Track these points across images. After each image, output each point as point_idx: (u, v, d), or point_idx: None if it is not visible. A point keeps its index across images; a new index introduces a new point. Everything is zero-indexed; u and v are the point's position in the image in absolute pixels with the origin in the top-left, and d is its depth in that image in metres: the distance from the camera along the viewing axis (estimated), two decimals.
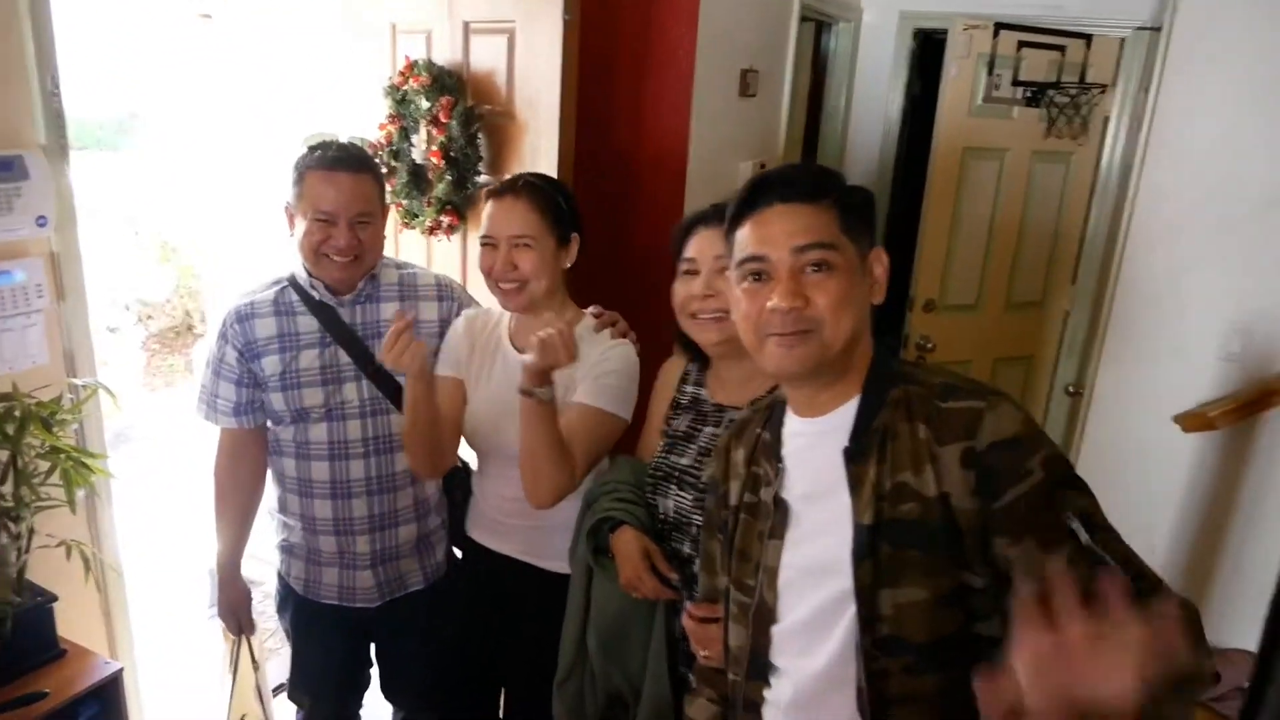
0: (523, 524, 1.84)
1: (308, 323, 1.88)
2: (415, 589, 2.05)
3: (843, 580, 1.10)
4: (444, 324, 1.95)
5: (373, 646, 2.14)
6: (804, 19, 3.50)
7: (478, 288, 2.26)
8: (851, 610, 1.10)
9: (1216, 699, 2.79)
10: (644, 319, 1.94)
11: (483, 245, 1.78)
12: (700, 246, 1.57)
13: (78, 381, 2.02)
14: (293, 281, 1.91)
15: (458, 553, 2.11)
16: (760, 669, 1.23)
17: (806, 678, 1.17)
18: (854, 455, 1.11)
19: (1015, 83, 3.64)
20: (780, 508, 1.19)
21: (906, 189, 4.39)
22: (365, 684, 2.19)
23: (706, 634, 1.39)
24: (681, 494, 1.58)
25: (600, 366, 1.75)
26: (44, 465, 1.90)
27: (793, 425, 1.22)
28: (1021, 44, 3.61)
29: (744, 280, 1.15)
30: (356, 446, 1.91)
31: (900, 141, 4.27)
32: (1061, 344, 4.05)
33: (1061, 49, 3.65)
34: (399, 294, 1.94)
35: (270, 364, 1.87)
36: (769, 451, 1.23)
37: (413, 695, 2.16)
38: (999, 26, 3.60)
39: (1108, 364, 3.00)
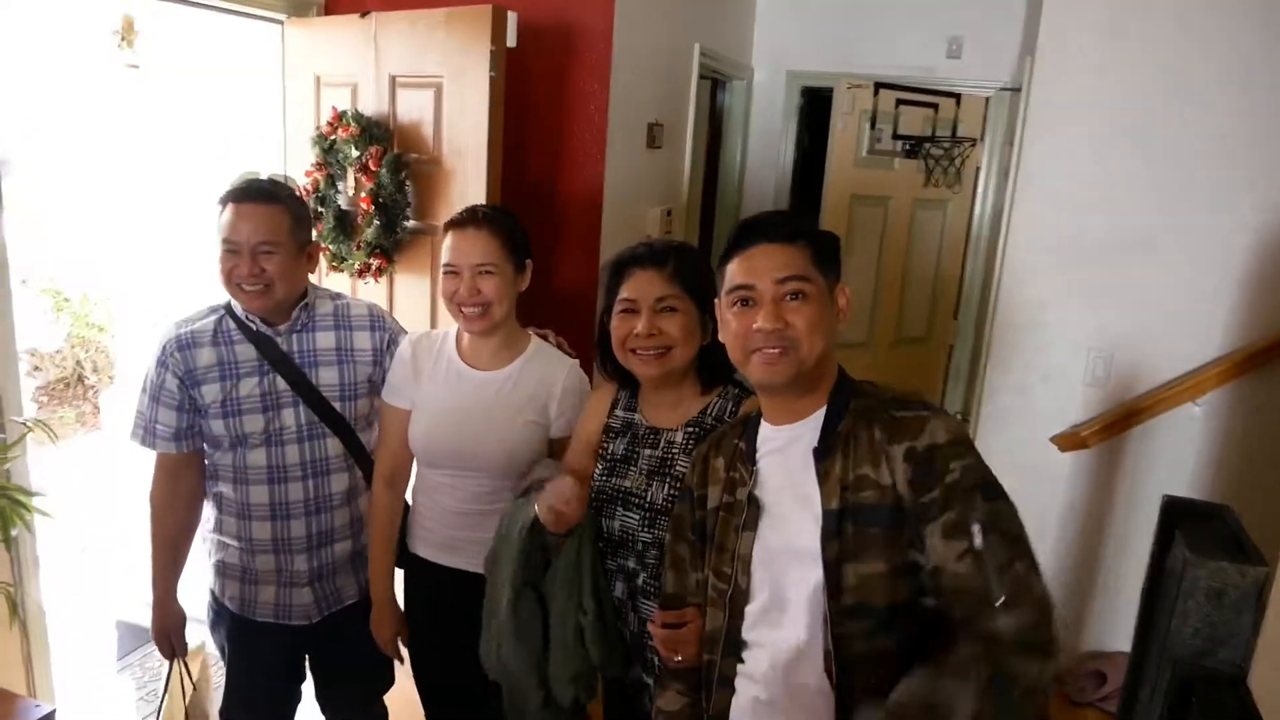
0: (474, 535, 1.91)
1: (246, 351, 1.94)
2: (351, 602, 2.10)
3: (810, 559, 1.28)
4: (376, 352, 2.04)
5: (307, 659, 2.17)
6: (702, 77, 3.76)
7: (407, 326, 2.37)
8: (816, 584, 1.27)
9: (1102, 699, 3.05)
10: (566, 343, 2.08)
11: (446, 274, 1.87)
12: (639, 287, 1.65)
13: (17, 419, 2.03)
14: (229, 310, 1.96)
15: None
16: (735, 646, 1.39)
17: (779, 649, 1.34)
18: (822, 453, 1.31)
19: (895, 136, 3.99)
20: (753, 504, 1.37)
21: None
22: (298, 698, 2.21)
23: (676, 637, 1.49)
24: (628, 514, 1.66)
25: (574, 396, 1.92)
26: None
27: (766, 433, 1.41)
28: (899, 102, 3.97)
29: (733, 305, 1.37)
30: (295, 470, 1.97)
31: (792, 189, 4.57)
32: (948, 375, 4.38)
33: (935, 106, 4.02)
34: (334, 323, 2.02)
35: (210, 392, 1.91)
36: (745, 457, 1.41)
37: (348, 706, 2.20)
38: (879, 86, 3.95)
39: (990, 392, 3.28)
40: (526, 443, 1.92)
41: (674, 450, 1.65)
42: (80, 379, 6.52)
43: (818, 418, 1.34)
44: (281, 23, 2.93)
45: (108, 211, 3.75)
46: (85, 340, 6.29)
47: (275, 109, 3.01)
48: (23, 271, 6.22)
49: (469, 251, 1.86)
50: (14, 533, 1.95)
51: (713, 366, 1.69)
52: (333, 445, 2.01)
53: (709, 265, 1.74)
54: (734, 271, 1.37)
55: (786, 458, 1.36)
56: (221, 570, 2.05)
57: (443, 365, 1.97)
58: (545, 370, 1.95)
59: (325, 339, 2.00)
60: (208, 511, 2.06)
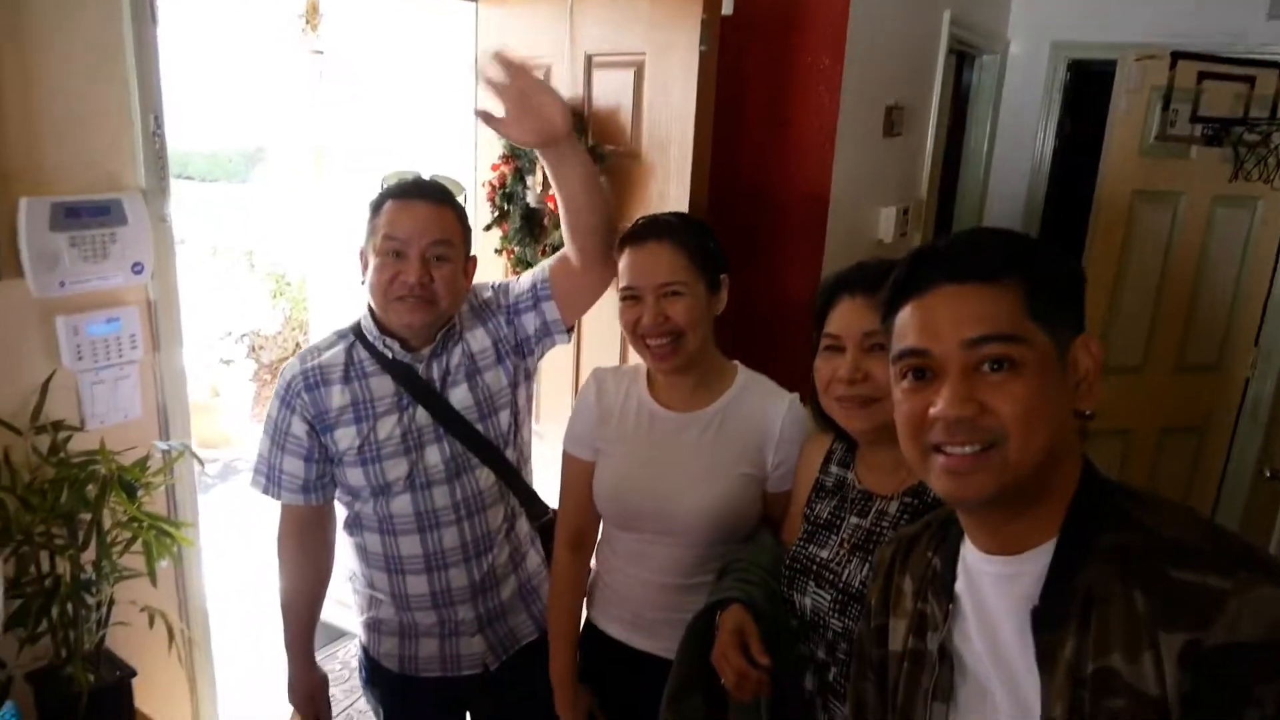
0: (672, 615, 1.58)
1: (381, 385, 1.67)
2: (528, 640, 1.83)
3: None
4: (499, 342, 1.73)
5: (468, 715, 1.91)
6: (948, 51, 3.20)
7: (594, 342, 2.03)
8: None
9: None
10: (780, 373, 1.70)
11: (624, 300, 1.57)
12: (845, 320, 1.33)
13: (160, 445, 1.87)
14: (359, 335, 1.71)
15: None
16: None
17: None
18: (1046, 620, 0.86)
19: (1194, 119, 3.23)
20: (946, 661, 0.96)
21: (1058, 236, 4.01)
22: None
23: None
24: (820, 592, 1.36)
25: (797, 439, 1.58)
26: (126, 533, 1.76)
27: (970, 557, 0.96)
28: (1202, 75, 3.21)
29: (903, 377, 0.92)
30: (446, 513, 1.70)
31: (1050, 184, 3.89)
32: (1240, 414, 3.57)
33: (1250, 80, 3.23)
34: (459, 333, 1.73)
35: (345, 437, 1.66)
36: (939, 585, 1.00)
37: None
38: (1176, 56, 3.21)
39: None
40: (739, 500, 1.57)
41: (884, 524, 1.34)
42: None
43: (1044, 555, 0.88)
44: (475, 2, 2.67)
45: (313, 198, 3.71)
46: (302, 323, 6.51)
47: (461, 95, 2.77)
48: (252, 256, 6.55)
49: (651, 270, 1.53)
50: (163, 564, 1.78)
51: None
52: (483, 476, 1.73)
53: None
54: (904, 326, 0.92)
55: (996, 605, 0.92)
56: (375, 627, 1.82)
57: (632, 407, 1.64)
58: (759, 407, 1.59)
59: (455, 355, 1.71)
60: (351, 562, 1.82)
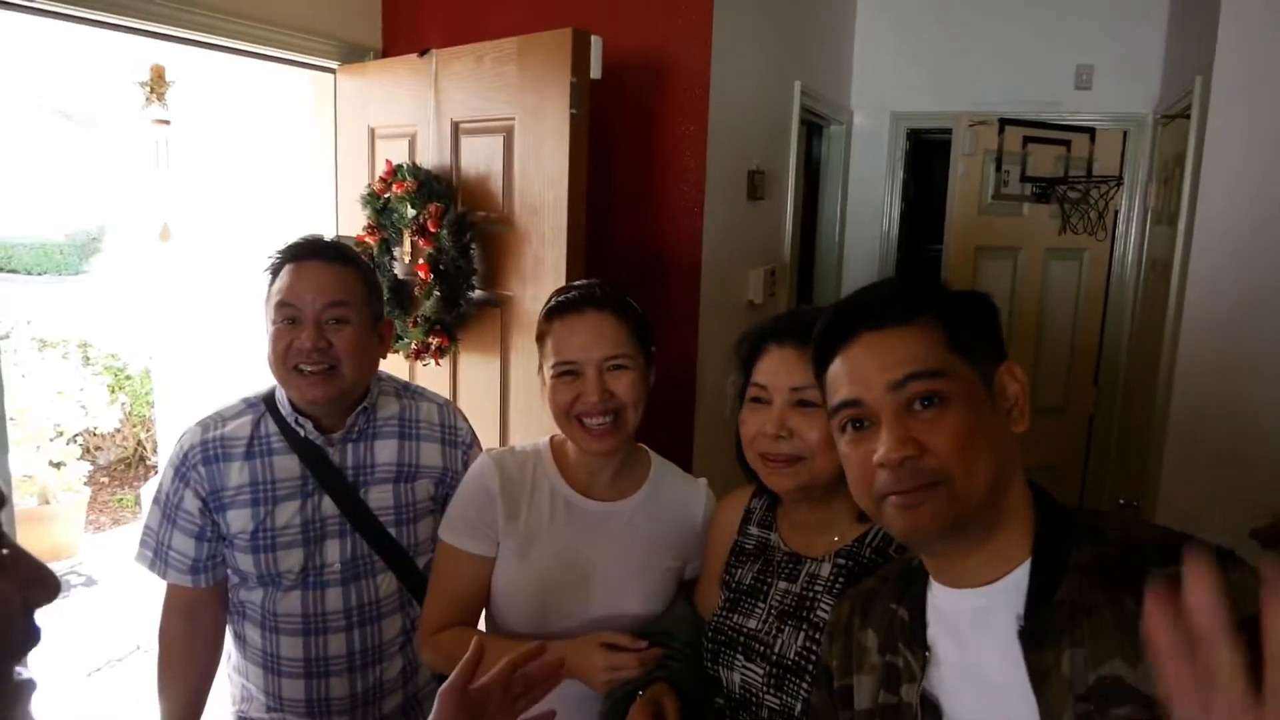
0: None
1: (287, 466, 1.53)
2: None
3: None
4: (447, 472, 1.63)
5: None
6: (800, 121, 3.35)
7: (521, 423, 1.94)
8: None
9: None
10: (664, 439, 1.65)
11: (559, 376, 1.39)
12: (773, 371, 1.25)
13: None
14: (271, 405, 1.56)
15: None
16: None
17: None
18: (1035, 639, 0.84)
19: (1024, 179, 3.49)
20: (929, 711, 0.92)
21: None
22: None
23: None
24: (751, 666, 1.24)
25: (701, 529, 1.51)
26: None
27: (940, 599, 0.95)
28: (1027, 139, 3.49)
29: (843, 430, 0.93)
30: (336, 619, 1.56)
31: (900, 245, 4.10)
32: (1090, 451, 3.79)
33: (1067, 144, 3.52)
34: (398, 430, 1.62)
35: (239, 519, 1.52)
36: (910, 635, 0.96)
37: None
38: (1004, 123, 3.47)
39: (1171, 474, 2.72)
40: (667, 594, 1.47)
41: (816, 588, 1.24)
42: (141, 459, 6.30)
43: (1018, 578, 0.88)
44: (334, 71, 2.61)
45: (158, 280, 3.48)
46: (145, 419, 6.07)
47: (328, 168, 2.68)
48: (86, 349, 6.08)
49: (595, 343, 1.37)
50: None
51: None
52: (384, 584, 1.59)
53: None
54: (835, 380, 0.94)
55: (976, 641, 0.91)
56: None
57: (544, 497, 1.46)
58: (679, 494, 1.50)
59: (385, 451, 1.59)
60: (229, 645, 1.65)
